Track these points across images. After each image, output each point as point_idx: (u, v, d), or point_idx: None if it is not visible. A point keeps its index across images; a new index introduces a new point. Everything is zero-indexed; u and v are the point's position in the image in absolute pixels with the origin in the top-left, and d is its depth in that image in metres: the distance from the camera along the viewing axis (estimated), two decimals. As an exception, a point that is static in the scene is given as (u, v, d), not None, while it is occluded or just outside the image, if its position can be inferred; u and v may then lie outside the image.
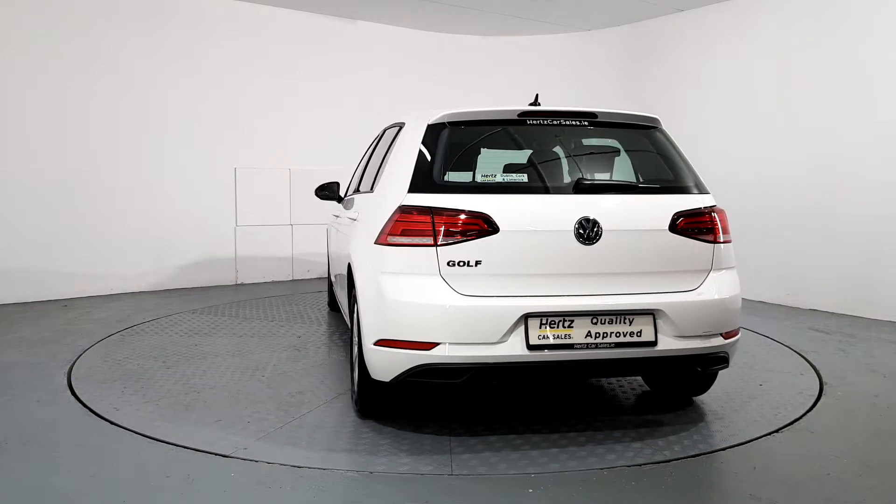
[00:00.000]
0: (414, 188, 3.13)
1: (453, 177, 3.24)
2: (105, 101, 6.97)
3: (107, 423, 3.44)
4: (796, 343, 5.08)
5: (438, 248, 3.00)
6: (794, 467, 2.99)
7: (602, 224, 3.08)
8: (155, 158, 7.29)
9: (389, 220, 3.12)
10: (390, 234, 3.09)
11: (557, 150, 3.53)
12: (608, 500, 2.64)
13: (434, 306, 2.96)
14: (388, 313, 3.05)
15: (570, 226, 3.06)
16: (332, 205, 5.90)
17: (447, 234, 3.01)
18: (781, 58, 6.71)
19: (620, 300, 3.07)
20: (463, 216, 3.03)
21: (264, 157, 7.96)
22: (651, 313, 3.08)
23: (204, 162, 7.58)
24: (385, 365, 3.09)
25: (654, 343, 3.06)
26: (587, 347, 3.00)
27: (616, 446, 3.14)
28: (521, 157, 3.54)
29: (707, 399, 3.82)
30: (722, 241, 3.30)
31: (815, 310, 6.38)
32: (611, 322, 3.03)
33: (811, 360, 4.64)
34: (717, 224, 3.29)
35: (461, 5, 7.61)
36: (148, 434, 3.27)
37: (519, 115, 3.35)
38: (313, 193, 5.39)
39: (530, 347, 2.95)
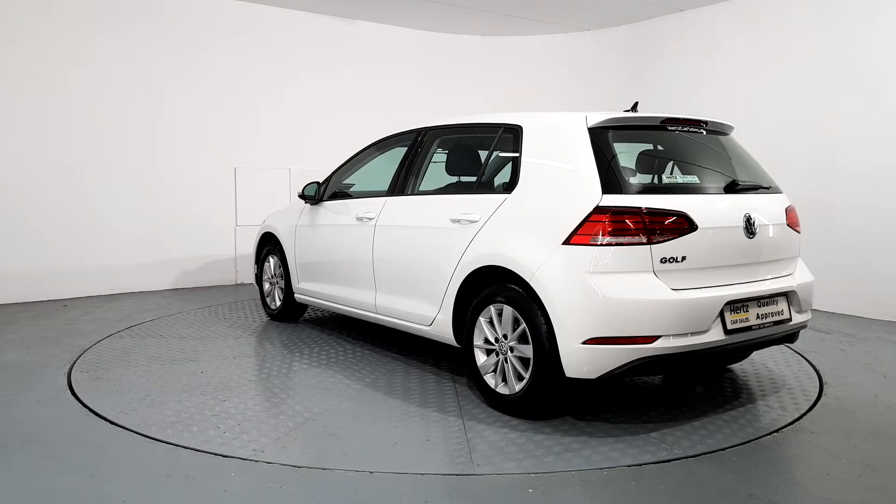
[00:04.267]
0: (607, 189, 3.24)
1: (634, 179, 3.43)
2: (105, 101, 6.97)
3: (107, 423, 3.43)
4: (796, 343, 5.06)
5: (652, 245, 3.17)
6: (794, 467, 2.99)
7: (757, 220, 3.50)
8: (155, 158, 7.29)
9: (585, 220, 3.20)
10: (593, 235, 3.18)
11: (694, 154, 3.81)
12: (609, 500, 2.64)
13: (656, 302, 3.13)
14: (606, 311, 3.13)
15: (740, 221, 3.45)
16: (298, 206, 5.50)
17: (660, 232, 3.19)
18: (782, 57, 6.71)
19: (770, 285, 3.57)
20: (671, 215, 3.24)
21: (264, 157, 7.96)
22: (785, 294, 3.62)
23: (204, 162, 7.58)
24: (596, 362, 3.17)
25: (790, 319, 3.61)
26: (759, 328, 3.45)
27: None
28: (676, 160, 3.79)
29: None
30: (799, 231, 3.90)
31: (815, 310, 6.34)
32: (767, 304, 3.52)
33: (811, 360, 4.64)
34: (797, 217, 3.89)
35: (461, 5, 7.60)
36: (148, 434, 3.27)
37: (661, 122, 3.62)
38: (298, 195, 5.36)
39: (727, 332, 3.29)
